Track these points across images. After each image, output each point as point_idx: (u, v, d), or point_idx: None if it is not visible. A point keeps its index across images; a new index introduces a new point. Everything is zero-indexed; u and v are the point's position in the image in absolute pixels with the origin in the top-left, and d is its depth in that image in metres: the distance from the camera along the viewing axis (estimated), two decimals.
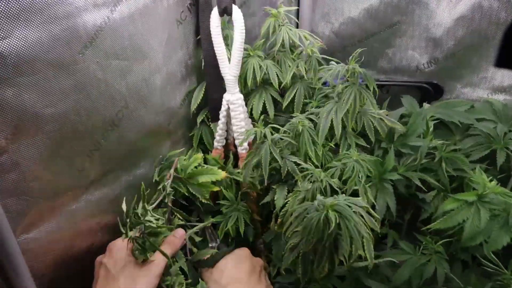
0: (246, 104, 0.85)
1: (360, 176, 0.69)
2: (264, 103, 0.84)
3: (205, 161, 0.82)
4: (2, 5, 0.44)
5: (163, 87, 0.72)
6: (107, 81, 0.60)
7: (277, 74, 0.82)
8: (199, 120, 0.86)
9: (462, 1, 0.87)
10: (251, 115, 0.85)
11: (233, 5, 0.73)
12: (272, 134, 0.71)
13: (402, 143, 0.79)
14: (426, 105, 0.89)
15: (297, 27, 0.91)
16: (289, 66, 0.83)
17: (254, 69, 0.81)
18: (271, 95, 0.84)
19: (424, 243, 0.70)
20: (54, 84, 0.52)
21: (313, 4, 1.02)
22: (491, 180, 0.64)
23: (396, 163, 0.76)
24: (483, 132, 0.79)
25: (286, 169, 0.70)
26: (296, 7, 0.96)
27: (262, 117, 0.82)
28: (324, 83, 0.86)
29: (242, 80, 0.83)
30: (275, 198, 0.71)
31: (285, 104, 0.83)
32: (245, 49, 0.81)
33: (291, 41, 0.83)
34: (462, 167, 0.73)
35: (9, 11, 0.45)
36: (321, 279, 0.70)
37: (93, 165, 0.63)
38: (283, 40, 0.81)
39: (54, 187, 0.58)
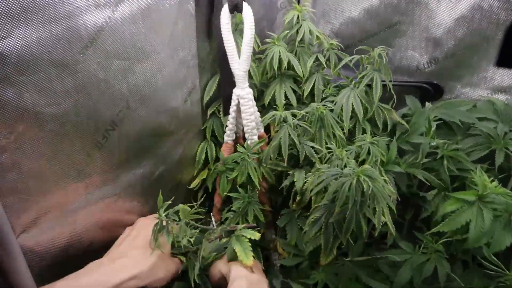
0: (264, 94, 0.88)
1: (375, 158, 0.71)
2: (285, 93, 0.87)
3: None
4: (3, 5, 0.44)
5: (164, 87, 0.72)
6: (108, 81, 0.60)
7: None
8: (209, 112, 0.89)
9: (462, 1, 0.87)
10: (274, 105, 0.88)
11: (243, 2, 0.74)
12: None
13: (404, 141, 0.81)
14: (428, 105, 0.89)
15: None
16: (307, 60, 0.86)
17: (280, 57, 0.83)
18: (291, 86, 0.87)
19: (424, 242, 0.70)
20: (55, 84, 0.52)
21: (313, 4, 1.02)
22: (492, 181, 0.64)
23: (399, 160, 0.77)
24: (483, 132, 0.80)
25: (304, 153, 0.73)
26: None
27: (283, 102, 0.86)
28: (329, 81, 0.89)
29: (262, 68, 0.86)
30: (295, 180, 0.74)
31: (305, 93, 0.86)
32: (270, 39, 0.86)
33: (310, 37, 0.86)
34: (465, 167, 0.73)
35: (10, 11, 0.45)
36: (323, 268, 0.71)
37: (94, 164, 0.63)
38: (303, 34, 0.85)
39: (54, 187, 0.58)
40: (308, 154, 0.74)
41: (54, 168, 0.57)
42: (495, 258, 0.62)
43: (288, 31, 0.89)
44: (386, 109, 0.82)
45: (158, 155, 0.77)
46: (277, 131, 0.76)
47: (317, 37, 0.87)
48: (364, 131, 0.80)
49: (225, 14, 0.75)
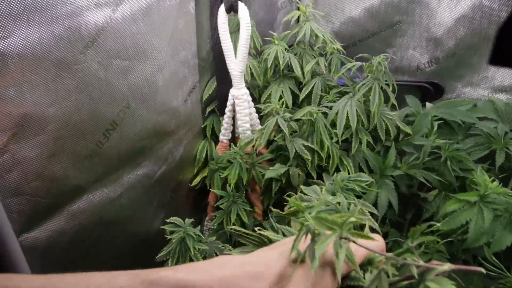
0: (262, 94, 0.88)
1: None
2: (282, 94, 0.85)
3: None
4: (4, 5, 0.44)
5: (165, 87, 0.72)
6: (108, 80, 0.59)
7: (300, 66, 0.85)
8: (208, 110, 0.89)
9: (462, 1, 0.87)
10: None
11: (239, 2, 0.74)
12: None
13: (406, 142, 0.80)
14: (428, 105, 0.89)
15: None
16: (309, 62, 0.85)
17: (277, 56, 0.82)
18: (289, 87, 0.86)
19: (425, 242, 0.70)
20: (56, 84, 0.52)
21: (314, 4, 1.02)
22: (493, 181, 0.64)
23: (398, 162, 0.77)
24: (483, 131, 0.80)
25: (294, 150, 0.71)
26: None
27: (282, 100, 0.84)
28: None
29: (263, 68, 0.85)
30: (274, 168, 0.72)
31: (302, 96, 0.84)
32: (270, 38, 0.85)
33: (313, 38, 0.85)
34: (467, 167, 0.73)
35: (11, 11, 0.45)
36: None
37: (94, 164, 0.62)
38: (304, 35, 0.83)
39: (56, 187, 0.58)
40: (298, 150, 0.71)
41: (55, 168, 0.57)
42: (496, 260, 0.62)
43: (289, 31, 0.88)
44: (389, 119, 0.79)
45: (159, 154, 0.77)
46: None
47: (323, 40, 0.84)
48: (361, 142, 0.77)
49: (221, 14, 0.75)
